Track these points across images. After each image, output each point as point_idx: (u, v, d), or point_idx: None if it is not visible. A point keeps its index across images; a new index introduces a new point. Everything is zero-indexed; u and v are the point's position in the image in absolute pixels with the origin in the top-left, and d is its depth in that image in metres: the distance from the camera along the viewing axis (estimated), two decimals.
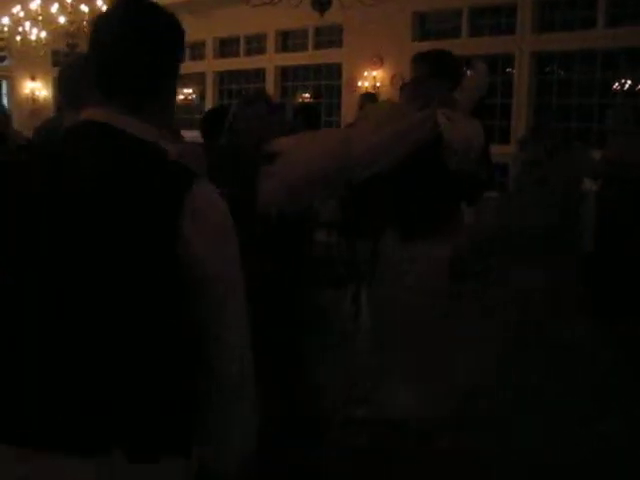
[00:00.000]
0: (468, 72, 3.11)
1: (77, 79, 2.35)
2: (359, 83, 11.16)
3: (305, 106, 7.39)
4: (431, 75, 3.15)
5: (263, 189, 2.77)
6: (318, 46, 12.52)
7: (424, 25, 10.82)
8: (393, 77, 10.79)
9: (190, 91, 15.59)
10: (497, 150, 8.17)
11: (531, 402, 3.90)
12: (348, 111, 10.40)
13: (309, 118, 5.52)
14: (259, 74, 13.75)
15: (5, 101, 16.27)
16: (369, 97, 6.48)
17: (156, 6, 1.54)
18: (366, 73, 11.15)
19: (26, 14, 10.18)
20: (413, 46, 10.55)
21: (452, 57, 3.29)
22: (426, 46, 10.28)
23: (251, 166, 2.82)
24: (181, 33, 1.60)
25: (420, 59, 3.24)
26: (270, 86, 13.29)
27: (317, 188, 2.98)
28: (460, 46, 10.07)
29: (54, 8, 9.67)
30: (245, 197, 2.74)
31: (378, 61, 11.01)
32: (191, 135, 5.01)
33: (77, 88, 2.33)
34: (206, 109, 14.80)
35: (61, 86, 2.52)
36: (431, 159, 3.00)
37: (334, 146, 2.98)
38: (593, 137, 8.87)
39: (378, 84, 10.98)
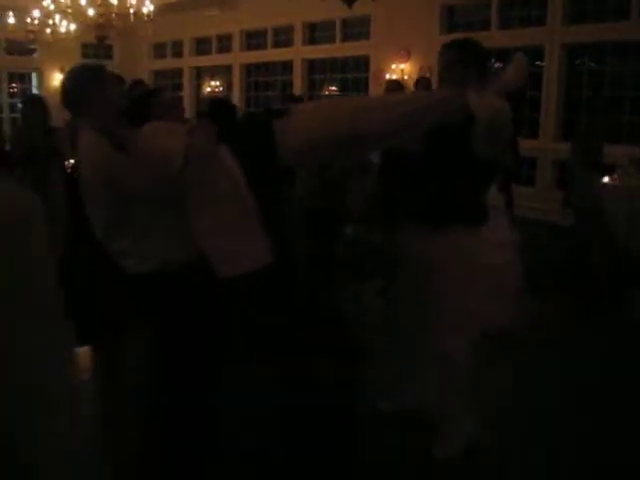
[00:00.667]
0: (508, 65, 3.10)
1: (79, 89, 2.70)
2: (386, 76, 11.10)
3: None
4: (458, 62, 3.15)
5: (281, 140, 2.81)
6: (345, 38, 12.47)
7: (452, 17, 10.71)
8: (421, 70, 10.71)
9: (217, 83, 15.65)
10: (526, 144, 8.11)
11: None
12: None
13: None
14: (286, 66, 13.74)
15: (35, 92, 16.47)
16: (395, 84, 6.42)
17: None
18: (394, 66, 11.09)
19: (56, 7, 10.28)
20: (441, 39, 10.46)
21: (477, 44, 3.29)
22: (454, 38, 10.19)
23: (265, 124, 2.87)
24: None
25: (446, 48, 3.26)
26: (297, 78, 13.28)
27: (332, 146, 2.97)
28: (489, 38, 9.96)
29: (84, 1, 9.74)
30: (263, 151, 2.81)
31: (406, 54, 10.94)
32: None
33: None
34: (234, 101, 14.86)
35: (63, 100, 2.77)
36: (460, 143, 2.98)
37: (350, 109, 2.99)
38: (624, 130, 8.73)
39: (405, 77, 10.90)
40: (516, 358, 4.33)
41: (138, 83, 5.28)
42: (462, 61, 3.14)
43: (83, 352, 4.59)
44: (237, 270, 2.64)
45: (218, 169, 2.68)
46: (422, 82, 7.16)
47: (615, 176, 7.78)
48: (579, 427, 3.57)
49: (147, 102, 2.98)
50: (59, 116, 3.66)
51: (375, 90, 11.46)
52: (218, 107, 3.17)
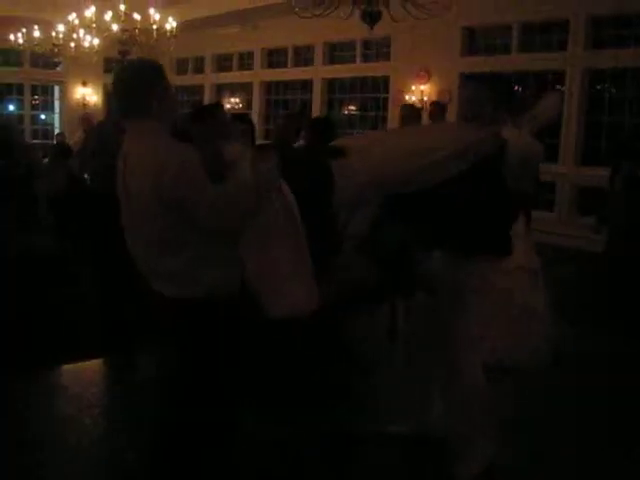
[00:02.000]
0: (542, 101, 3.11)
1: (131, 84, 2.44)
2: (406, 97, 11.12)
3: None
4: (489, 101, 3.13)
5: (339, 185, 2.76)
6: (366, 59, 12.52)
7: (473, 40, 10.72)
8: (440, 93, 10.71)
9: (237, 100, 15.74)
10: (545, 169, 8.06)
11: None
12: (394, 125, 10.36)
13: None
14: (306, 85, 13.80)
15: (57, 105, 16.66)
16: (410, 110, 6.36)
17: None
18: (413, 87, 11.10)
19: (81, 22, 10.41)
20: (462, 61, 10.49)
21: (508, 82, 3.31)
22: (475, 61, 10.23)
23: (323, 164, 2.81)
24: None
25: (475, 84, 3.29)
26: (317, 97, 13.33)
27: (392, 188, 2.97)
28: (510, 62, 9.99)
29: (108, 16, 9.86)
30: (318, 194, 2.75)
31: (426, 75, 10.95)
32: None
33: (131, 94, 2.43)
34: (252, 119, 14.93)
35: (115, 89, 2.51)
36: (492, 175, 3.00)
37: (412, 147, 2.98)
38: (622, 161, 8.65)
39: (425, 98, 10.91)
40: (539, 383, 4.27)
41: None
42: (493, 100, 3.13)
43: (97, 364, 4.63)
44: (285, 312, 2.57)
45: (279, 203, 2.58)
46: (438, 107, 7.13)
47: None
48: (602, 454, 3.52)
49: (207, 118, 2.77)
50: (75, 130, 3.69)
51: (394, 110, 11.47)
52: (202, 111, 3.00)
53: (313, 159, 2.87)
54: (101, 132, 5.23)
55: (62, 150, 7.50)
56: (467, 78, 3.34)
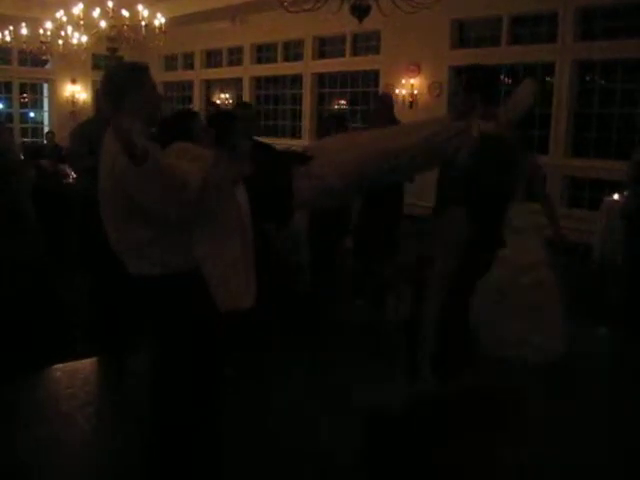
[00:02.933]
0: (515, 92, 3.13)
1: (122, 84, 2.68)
2: (396, 90, 11.11)
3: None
4: (464, 89, 3.24)
5: (298, 187, 2.91)
6: (355, 53, 12.50)
7: (463, 33, 10.72)
8: (431, 85, 10.72)
9: (227, 96, 15.70)
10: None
11: None
12: None
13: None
14: (296, 80, 13.78)
15: (46, 103, 16.58)
16: (384, 100, 6.43)
17: None
18: (403, 80, 11.10)
19: (69, 19, 10.35)
20: (451, 54, 10.49)
21: (485, 70, 3.33)
22: (464, 54, 10.22)
23: (285, 166, 2.96)
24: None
25: (458, 73, 3.32)
26: (307, 92, 13.32)
27: (350, 190, 3.12)
28: (500, 54, 9.99)
29: (96, 13, 9.81)
30: (279, 195, 2.92)
31: (416, 68, 10.95)
32: None
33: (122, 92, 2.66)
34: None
35: (107, 89, 2.73)
36: (468, 173, 3.04)
37: (369, 149, 3.06)
38: (635, 148, 8.68)
39: (415, 92, 10.92)
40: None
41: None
42: (467, 87, 3.18)
43: (89, 363, 4.62)
44: (227, 306, 2.74)
45: (229, 203, 2.76)
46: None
47: (625, 193, 7.75)
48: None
49: (187, 122, 2.97)
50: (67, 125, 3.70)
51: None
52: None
53: (275, 161, 3.03)
54: (87, 132, 5.19)
55: (34, 149, 7.59)
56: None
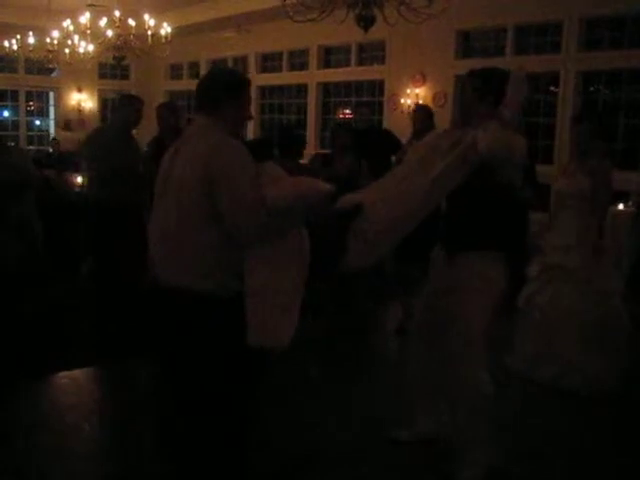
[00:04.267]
0: (507, 89, 3.11)
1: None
2: (401, 100, 11.13)
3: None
4: (474, 92, 3.20)
5: (351, 248, 2.82)
6: (361, 62, 12.54)
7: (468, 43, 10.75)
8: (436, 95, 10.73)
9: None
10: (540, 170, 8.07)
11: None
12: (389, 125, 10.37)
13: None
14: (301, 89, 13.82)
15: (52, 111, 16.65)
16: (425, 112, 6.33)
17: None
18: (408, 90, 11.12)
19: (75, 28, 10.41)
20: (456, 64, 10.51)
21: (495, 73, 3.29)
22: (469, 64, 10.22)
23: (344, 227, 2.84)
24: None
25: (466, 77, 3.29)
26: (312, 101, 13.35)
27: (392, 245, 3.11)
28: (504, 64, 9.95)
29: (102, 22, 9.86)
30: (333, 249, 2.80)
31: (421, 78, 10.97)
32: None
33: None
34: (247, 123, 14.92)
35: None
36: (473, 173, 3.03)
37: (412, 202, 3.01)
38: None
39: (420, 101, 10.93)
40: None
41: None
42: (478, 91, 3.16)
43: (93, 371, 4.62)
44: (265, 342, 2.54)
45: (295, 235, 2.61)
46: (423, 111, 6.98)
47: (629, 203, 7.76)
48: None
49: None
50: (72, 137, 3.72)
51: (389, 114, 11.49)
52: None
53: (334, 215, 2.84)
54: (100, 141, 5.22)
55: (39, 158, 7.64)
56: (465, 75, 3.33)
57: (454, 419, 3.32)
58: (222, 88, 2.62)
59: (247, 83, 2.73)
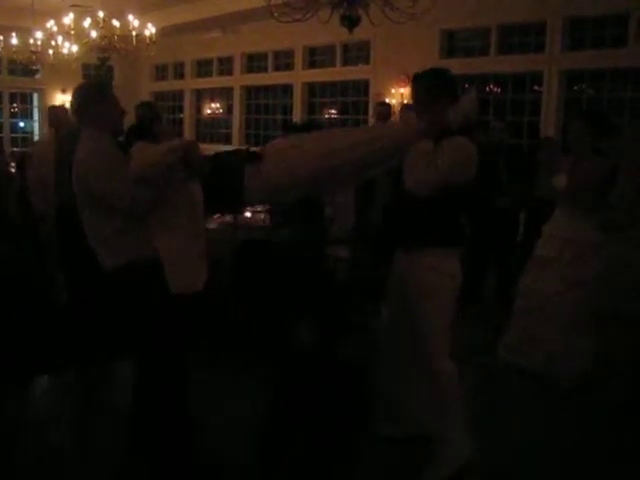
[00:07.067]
0: (459, 101, 3.15)
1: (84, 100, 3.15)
2: (386, 100, 11.16)
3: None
4: (426, 92, 3.22)
5: (248, 186, 3.08)
6: (346, 62, 12.56)
7: (452, 42, 10.80)
8: None
9: (217, 105, 15.73)
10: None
11: None
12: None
13: None
14: (286, 90, 13.82)
15: (36, 113, 16.55)
16: (385, 108, 6.65)
17: None
18: (393, 90, 11.15)
19: (59, 28, 10.36)
20: (441, 63, 10.53)
21: (447, 73, 3.33)
22: (454, 63, 10.27)
23: (238, 163, 3.14)
24: None
25: (417, 78, 3.31)
26: (297, 101, 13.36)
27: (302, 188, 3.17)
28: (489, 64, 10.08)
29: (86, 23, 9.82)
30: (230, 192, 3.13)
31: (405, 78, 10.98)
32: (223, 149, 5.07)
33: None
34: (233, 124, 14.93)
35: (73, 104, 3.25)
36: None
37: (319, 149, 3.10)
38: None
39: (405, 101, 10.96)
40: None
41: (144, 104, 5.37)
42: (430, 91, 3.19)
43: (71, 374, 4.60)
44: (178, 289, 2.99)
45: (182, 196, 3.04)
46: (383, 109, 7.42)
47: None
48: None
49: (151, 124, 3.29)
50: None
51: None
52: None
53: (227, 161, 3.22)
54: (60, 143, 5.20)
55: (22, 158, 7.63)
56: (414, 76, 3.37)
57: (423, 415, 3.36)
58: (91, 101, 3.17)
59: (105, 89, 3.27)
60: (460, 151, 3.07)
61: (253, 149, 3.26)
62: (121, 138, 3.29)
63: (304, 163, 3.05)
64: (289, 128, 5.10)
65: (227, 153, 3.37)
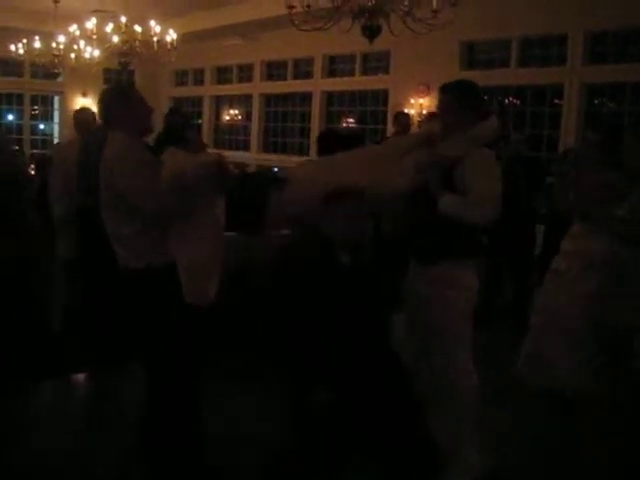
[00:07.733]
0: (482, 123, 3.16)
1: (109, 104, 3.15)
2: (405, 110, 11.14)
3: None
4: (453, 104, 3.22)
5: (269, 212, 3.19)
6: (365, 72, 12.57)
7: (473, 54, 10.78)
8: None
9: (236, 112, 15.78)
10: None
11: None
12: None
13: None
14: (305, 98, 13.85)
15: (57, 115, 16.70)
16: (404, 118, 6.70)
17: None
18: (412, 100, 11.14)
19: (81, 33, 10.45)
20: (461, 75, 10.51)
21: (474, 86, 3.32)
22: (474, 75, 10.26)
23: (264, 188, 3.25)
24: None
25: (444, 89, 3.30)
26: (316, 110, 13.37)
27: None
28: (509, 76, 10.04)
29: (109, 28, 9.90)
30: (253, 214, 3.25)
31: (425, 89, 10.99)
32: (241, 156, 5.08)
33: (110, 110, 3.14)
34: (252, 131, 14.98)
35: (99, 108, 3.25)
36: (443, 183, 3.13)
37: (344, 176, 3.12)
38: None
39: (424, 112, 10.94)
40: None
41: (174, 111, 5.43)
42: (459, 104, 3.18)
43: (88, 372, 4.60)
44: (191, 299, 3.04)
45: (207, 209, 3.10)
46: (402, 118, 7.52)
47: None
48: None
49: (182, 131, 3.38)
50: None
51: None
52: None
53: (255, 184, 3.43)
54: (86, 145, 5.23)
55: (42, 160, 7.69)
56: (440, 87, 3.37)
57: (443, 427, 3.32)
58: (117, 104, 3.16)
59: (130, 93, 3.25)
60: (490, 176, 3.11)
61: (276, 169, 3.35)
62: (153, 136, 3.39)
63: (319, 196, 3.07)
64: (330, 137, 4.88)
65: (255, 174, 3.55)
